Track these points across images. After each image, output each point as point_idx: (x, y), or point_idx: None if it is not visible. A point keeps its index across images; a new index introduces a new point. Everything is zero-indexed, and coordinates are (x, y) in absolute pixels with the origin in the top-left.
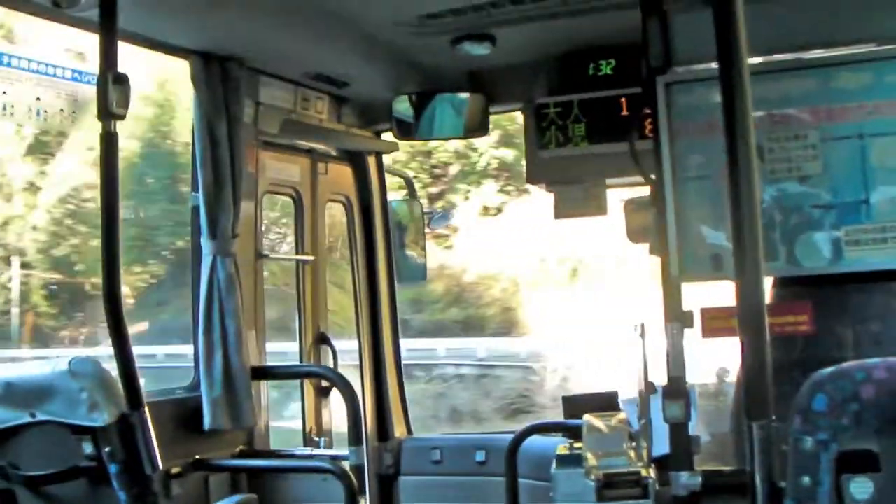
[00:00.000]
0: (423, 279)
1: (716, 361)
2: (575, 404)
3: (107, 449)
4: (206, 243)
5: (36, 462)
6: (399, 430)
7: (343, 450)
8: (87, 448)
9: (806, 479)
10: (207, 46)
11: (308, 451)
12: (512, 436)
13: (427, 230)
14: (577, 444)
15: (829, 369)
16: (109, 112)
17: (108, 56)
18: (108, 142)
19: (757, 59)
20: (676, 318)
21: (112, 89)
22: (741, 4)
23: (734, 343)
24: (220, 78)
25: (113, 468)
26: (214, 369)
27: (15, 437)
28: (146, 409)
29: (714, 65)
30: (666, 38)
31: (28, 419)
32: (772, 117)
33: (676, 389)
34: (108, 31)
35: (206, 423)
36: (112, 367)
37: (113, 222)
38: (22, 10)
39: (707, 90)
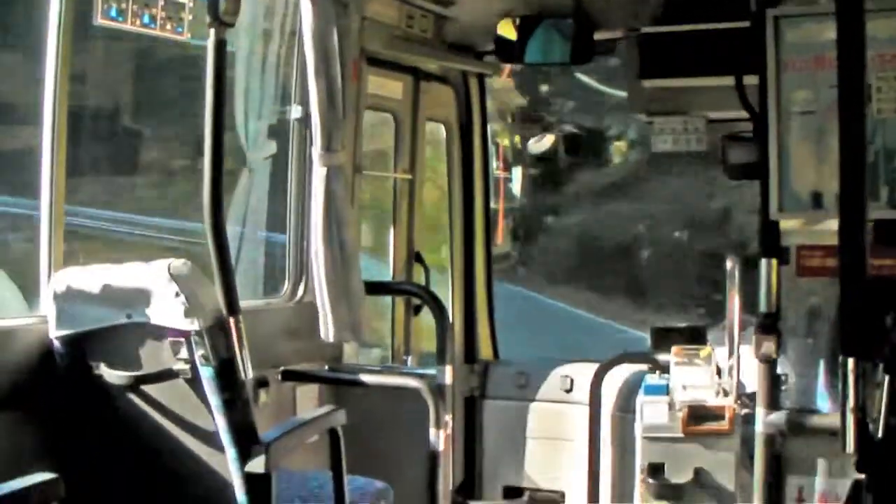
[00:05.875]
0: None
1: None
2: (663, 336)
3: (200, 352)
4: (320, 155)
5: (130, 362)
6: (486, 353)
7: (430, 369)
8: (182, 351)
9: None
10: None
11: (396, 367)
12: (598, 363)
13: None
14: (664, 376)
15: None
16: (219, 19)
17: None
18: (218, 49)
19: None
20: (773, 253)
21: None
22: None
23: None
24: None
25: (206, 372)
26: (337, 282)
27: (111, 337)
28: (241, 316)
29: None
30: None
31: (124, 320)
32: (882, 57)
33: (769, 326)
34: None
35: (328, 334)
36: None
37: (218, 133)
38: None
39: (817, 24)
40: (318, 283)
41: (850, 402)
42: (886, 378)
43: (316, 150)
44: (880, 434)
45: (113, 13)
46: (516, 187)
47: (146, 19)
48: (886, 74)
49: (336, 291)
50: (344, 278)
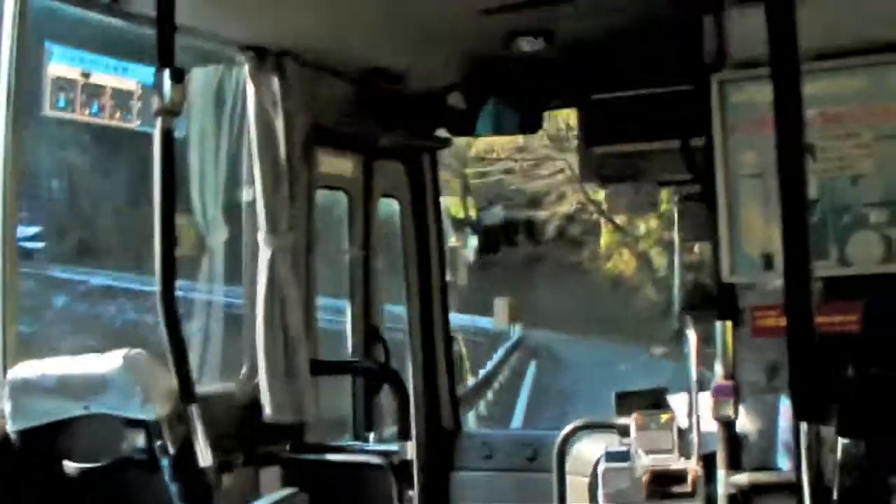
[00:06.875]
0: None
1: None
2: (625, 401)
3: (158, 442)
4: (265, 238)
5: (90, 453)
6: (449, 426)
7: (393, 444)
8: (140, 441)
9: (855, 480)
10: (263, 41)
11: (358, 445)
12: (561, 432)
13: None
14: (626, 441)
15: None
16: (165, 108)
17: (165, 51)
18: (165, 139)
19: (809, 57)
20: (727, 315)
21: (168, 85)
22: (794, 3)
23: None
24: (275, 73)
25: (164, 461)
26: (276, 363)
27: (68, 429)
28: (198, 403)
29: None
30: (720, 35)
31: (82, 411)
32: (824, 116)
33: (726, 387)
34: (165, 26)
35: (268, 415)
36: None
37: (169, 219)
38: (81, 7)
39: (761, 88)
40: (259, 365)
41: (805, 466)
42: (840, 440)
43: (261, 232)
44: (835, 496)
45: (61, 103)
46: (470, 255)
47: (94, 109)
48: (829, 133)
49: (274, 372)
50: (285, 360)
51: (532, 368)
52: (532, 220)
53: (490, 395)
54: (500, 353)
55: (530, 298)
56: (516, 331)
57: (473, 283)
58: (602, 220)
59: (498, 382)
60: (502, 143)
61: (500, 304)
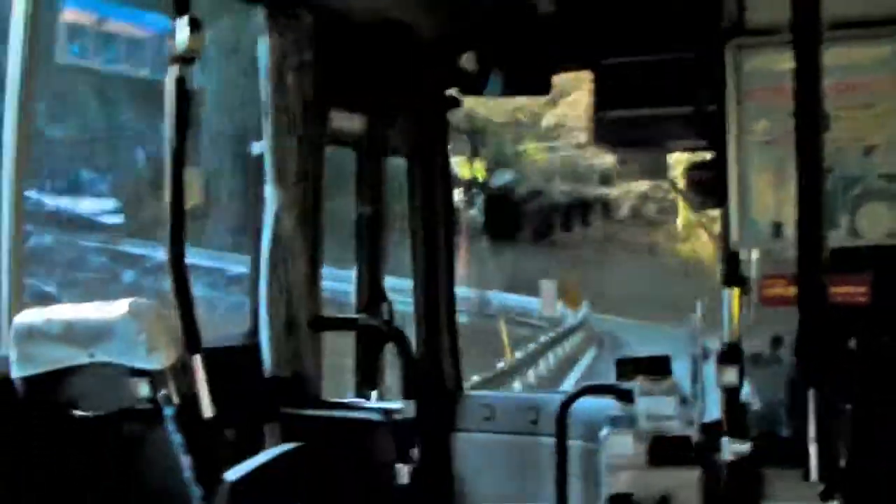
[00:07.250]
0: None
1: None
2: (628, 367)
3: (163, 392)
4: (272, 192)
5: (92, 402)
6: (452, 386)
7: (395, 402)
8: (144, 390)
9: (863, 448)
10: None
11: (360, 401)
12: (564, 396)
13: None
14: (628, 407)
15: None
16: (180, 56)
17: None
18: (178, 86)
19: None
20: (734, 283)
21: (184, 33)
22: None
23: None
24: (288, 24)
25: (168, 411)
26: (278, 319)
27: (72, 377)
28: (203, 354)
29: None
30: (738, 1)
31: (86, 359)
32: (839, 85)
33: (731, 355)
34: None
35: (269, 370)
36: None
37: (179, 167)
38: None
39: (777, 54)
40: (261, 319)
41: (813, 432)
42: (848, 407)
43: (268, 185)
44: (843, 463)
45: (75, 51)
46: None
47: (108, 56)
48: (845, 103)
49: (277, 327)
50: (288, 315)
51: (589, 356)
52: (605, 198)
53: (518, 387)
54: (543, 339)
55: (600, 280)
56: (578, 316)
57: (542, 262)
58: (679, 199)
59: (535, 373)
60: (578, 114)
61: (548, 287)
